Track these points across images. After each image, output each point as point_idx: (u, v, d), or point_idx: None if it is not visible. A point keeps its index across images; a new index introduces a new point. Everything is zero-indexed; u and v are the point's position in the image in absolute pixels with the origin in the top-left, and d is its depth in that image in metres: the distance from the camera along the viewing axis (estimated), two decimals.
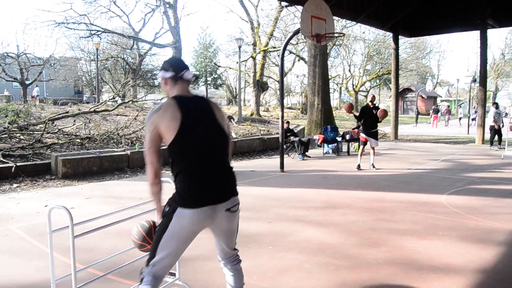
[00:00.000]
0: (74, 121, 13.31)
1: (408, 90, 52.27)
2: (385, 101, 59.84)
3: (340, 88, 53.32)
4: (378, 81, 53.18)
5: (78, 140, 11.54)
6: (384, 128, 20.65)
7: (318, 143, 13.24)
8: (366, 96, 59.47)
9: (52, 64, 33.09)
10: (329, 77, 42.92)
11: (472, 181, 8.42)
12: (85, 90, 51.55)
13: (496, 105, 14.97)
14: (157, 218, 2.66)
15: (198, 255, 4.24)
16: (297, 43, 29.90)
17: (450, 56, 77.92)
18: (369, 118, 9.70)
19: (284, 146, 12.47)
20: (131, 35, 29.13)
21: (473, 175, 9.16)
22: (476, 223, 5.40)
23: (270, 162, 11.45)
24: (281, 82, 10.25)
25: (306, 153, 12.38)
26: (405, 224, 5.44)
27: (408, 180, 8.68)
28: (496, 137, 14.67)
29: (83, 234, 2.85)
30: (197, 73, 53.55)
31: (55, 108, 16.80)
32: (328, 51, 40.88)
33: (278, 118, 30.00)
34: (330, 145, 13.12)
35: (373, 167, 9.99)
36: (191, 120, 2.43)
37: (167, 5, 25.10)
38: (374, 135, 9.88)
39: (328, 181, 8.67)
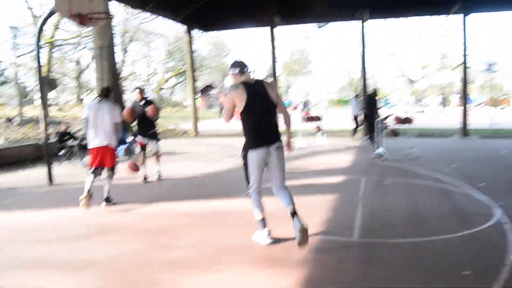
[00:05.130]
0: None
1: (210, 87, 53.20)
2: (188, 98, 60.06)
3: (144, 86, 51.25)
4: (183, 77, 52.79)
5: None
6: (187, 124, 19.85)
7: None
8: (171, 94, 58.79)
9: None
10: (130, 73, 40.76)
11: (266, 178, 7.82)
12: None
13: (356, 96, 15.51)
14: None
15: None
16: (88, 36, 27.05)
17: (247, 55, 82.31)
18: (141, 118, 7.78)
19: (62, 152, 10.44)
20: None
21: None
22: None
23: (43, 174, 9.16)
24: (40, 75, 8.19)
25: None
26: (187, 250, 4.23)
27: (202, 184, 7.68)
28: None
29: None
30: None
31: None
32: (126, 47, 38.63)
33: (74, 118, 26.89)
34: (120, 146, 11.43)
35: (159, 177, 8.12)
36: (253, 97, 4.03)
37: None
38: (153, 136, 8.09)
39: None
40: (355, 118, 14.24)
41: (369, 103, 11.50)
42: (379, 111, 11.01)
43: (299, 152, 11.18)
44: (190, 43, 17.52)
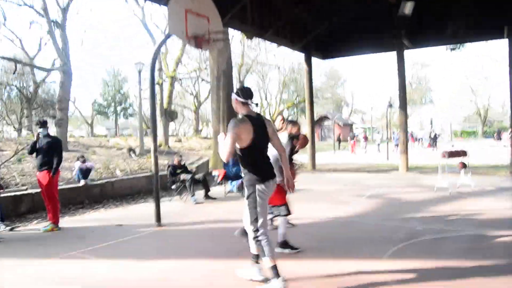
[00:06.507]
0: None
1: (324, 118, 52.00)
2: (303, 129, 59.47)
3: None
4: (295, 110, 52.34)
5: None
6: (301, 157, 18.67)
7: (218, 180, 10.58)
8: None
9: None
10: None
11: (414, 231, 6.14)
12: None
13: None
14: None
15: None
16: (205, 68, 27.64)
17: (363, 85, 79.78)
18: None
19: (173, 187, 9.80)
20: (12, 58, 24.97)
21: (411, 218, 7.00)
22: None
23: (152, 210, 8.47)
24: (152, 103, 7.49)
25: (209, 193, 9.84)
26: None
27: (331, 236, 6.24)
28: None
29: None
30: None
31: None
32: (242, 79, 39.19)
33: (190, 150, 27.40)
34: (233, 182, 10.58)
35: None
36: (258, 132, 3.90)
37: (53, 23, 21.62)
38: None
39: (218, 243, 5.94)
40: None
41: None
42: None
43: (439, 194, 9.30)
44: (310, 71, 16.46)
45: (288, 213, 5.16)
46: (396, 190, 10.31)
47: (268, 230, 3.95)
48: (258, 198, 3.89)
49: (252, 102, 4.00)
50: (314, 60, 16.99)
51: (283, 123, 6.22)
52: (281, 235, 5.20)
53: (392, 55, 15.42)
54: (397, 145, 23.25)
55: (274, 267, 3.83)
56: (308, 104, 16.63)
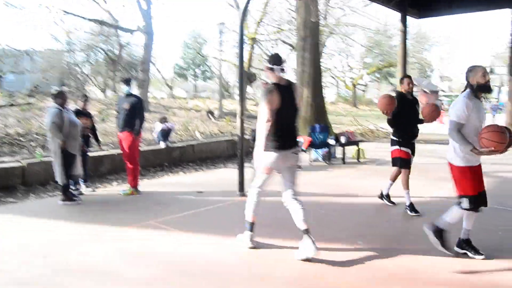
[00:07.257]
0: None
1: None
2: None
3: (337, 82, 49.73)
4: (378, 75, 49.66)
5: None
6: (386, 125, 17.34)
7: (304, 148, 9.81)
8: (364, 90, 55.98)
9: (31, 55, 30.08)
10: (325, 68, 39.70)
11: None
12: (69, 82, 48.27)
13: None
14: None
15: None
16: (281, 30, 26.60)
17: (452, 48, 74.00)
18: (409, 117, 5.50)
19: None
20: (94, 19, 25.30)
21: None
22: None
23: (233, 177, 7.84)
24: (241, 61, 6.84)
25: None
26: None
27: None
28: None
29: None
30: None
31: None
32: (323, 41, 37.58)
33: None
34: (319, 150, 9.79)
35: (386, 198, 5.98)
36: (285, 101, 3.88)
37: None
38: (413, 146, 5.66)
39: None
40: None
41: None
42: None
43: None
44: (405, 32, 14.86)
45: (473, 208, 3.87)
46: (508, 168, 9.00)
47: (264, 192, 4.10)
48: (264, 161, 3.94)
49: (280, 68, 3.91)
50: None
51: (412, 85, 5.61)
52: (464, 231, 4.04)
53: (490, 14, 13.46)
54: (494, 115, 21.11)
55: (251, 224, 4.14)
56: (401, 68, 15.14)
